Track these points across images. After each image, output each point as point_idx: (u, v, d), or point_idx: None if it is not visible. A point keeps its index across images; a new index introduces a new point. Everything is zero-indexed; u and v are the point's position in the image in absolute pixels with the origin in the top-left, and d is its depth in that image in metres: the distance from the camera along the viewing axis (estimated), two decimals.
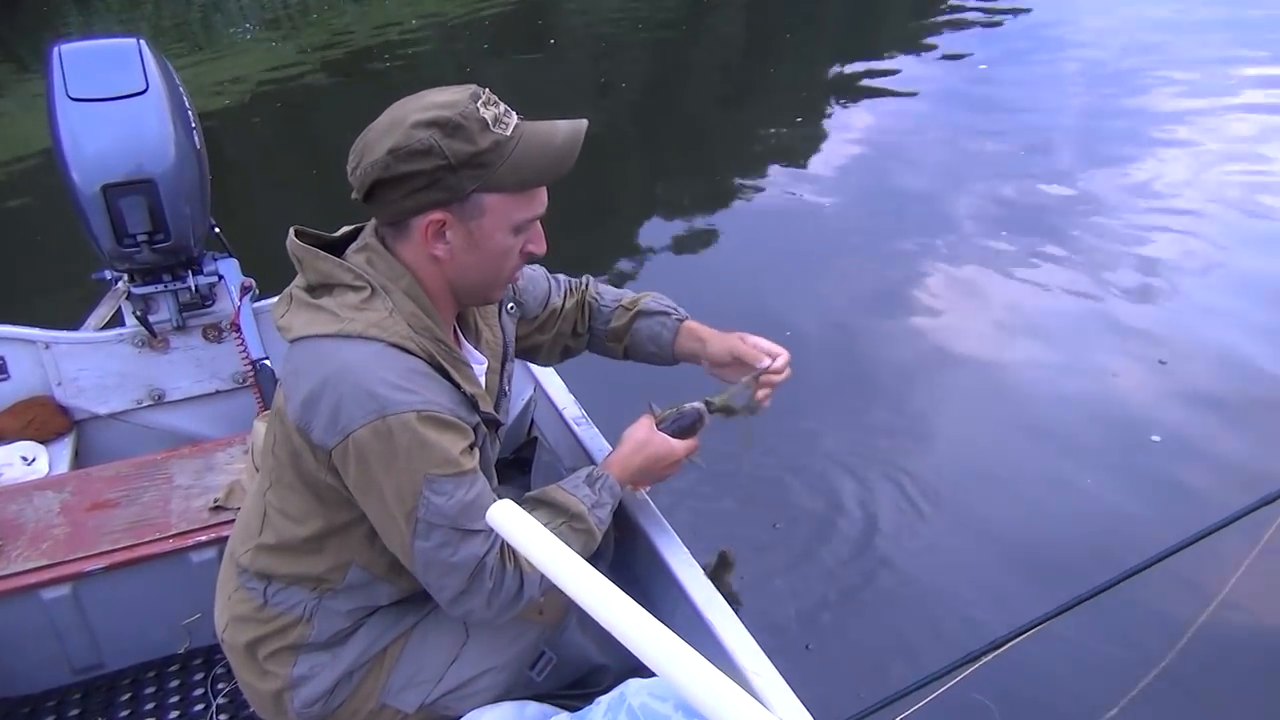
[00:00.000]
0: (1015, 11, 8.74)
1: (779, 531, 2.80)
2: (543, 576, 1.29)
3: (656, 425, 1.53)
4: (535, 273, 1.69)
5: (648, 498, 1.73)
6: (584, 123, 1.31)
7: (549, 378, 2.22)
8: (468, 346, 1.46)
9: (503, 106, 1.27)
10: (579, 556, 1.23)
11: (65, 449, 2.38)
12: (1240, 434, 3.07)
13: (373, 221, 1.34)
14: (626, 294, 1.74)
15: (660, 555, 1.62)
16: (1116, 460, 3.00)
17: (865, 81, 7.13)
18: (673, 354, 1.68)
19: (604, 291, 1.74)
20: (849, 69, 7.50)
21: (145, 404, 2.49)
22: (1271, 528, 1.79)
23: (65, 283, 3.94)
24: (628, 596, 1.14)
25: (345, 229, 1.39)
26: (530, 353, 1.74)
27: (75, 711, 1.92)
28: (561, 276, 1.74)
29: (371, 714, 1.45)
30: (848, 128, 6.31)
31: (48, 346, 2.39)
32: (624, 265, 4.70)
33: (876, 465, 3.03)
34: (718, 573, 1.56)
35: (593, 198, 5.31)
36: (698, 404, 1.57)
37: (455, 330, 1.45)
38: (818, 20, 9.59)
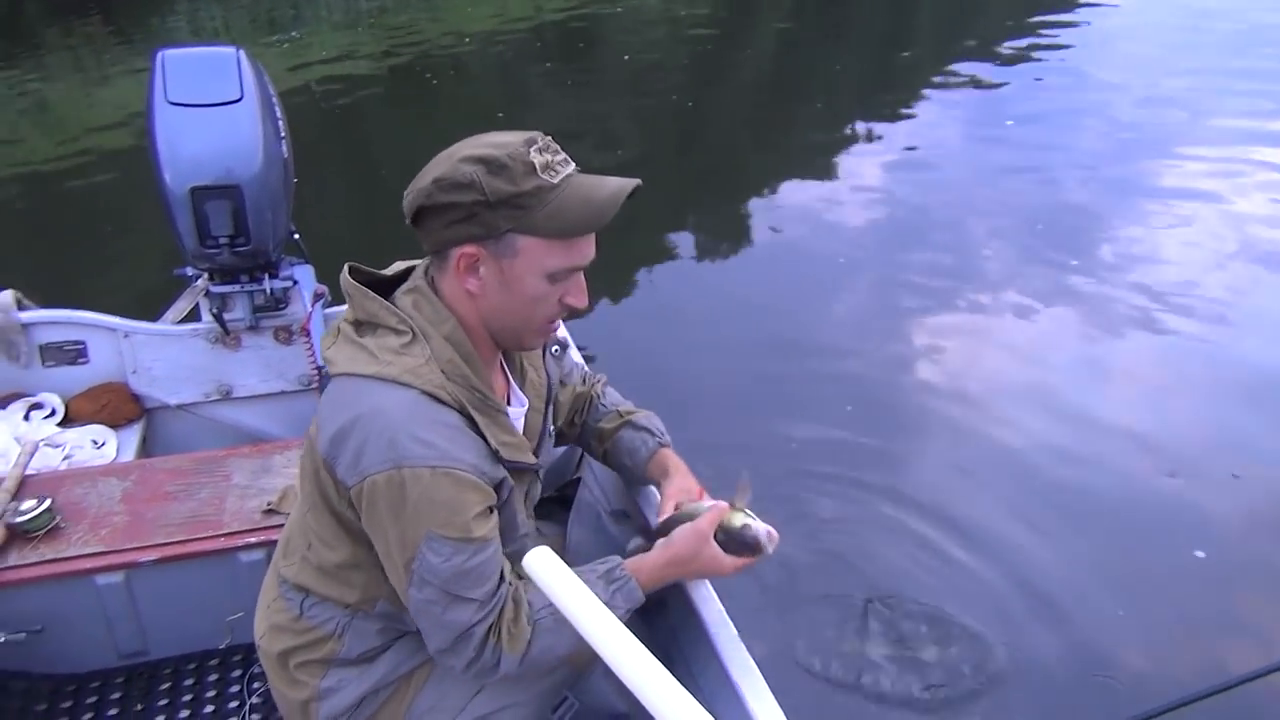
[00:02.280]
0: (1051, 52, 8.50)
1: (803, 609, 2.74)
2: (522, 660, 1.32)
3: (718, 532, 1.43)
4: (575, 359, 1.78)
5: None
6: (633, 182, 1.30)
7: None
8: (514, 388, 1.48)
9: (560, 155, 1.28)
10: (613, 615, 1.24)
11: (134, 435, 2.47)
12: None
13: (425, 261, 1.37)
14: (626, 404, 1.76)
15: (697, 611, 1.62)
16: (1158, 572, 2.81)
17: (894, 124, 7.03)
18: (644, 473, 1.69)
19: (608, 393, 1.78)
20: (877, 111, 7.39)
21: (213, 398, 2.57)
22: None
23: (145, 267, 4.10)
24: (656, 660, 1.14)
25: (400, 266, 1.41)
26: None
27: (117, 694, 1.98)
28: (581, 365, 1.81)
29: None
30: (872, 173, 6.18)
31: (127, 335, 2.48)
32: (641, 288, 4.71)
33: (900, 562, 2.88)
34: (737, 501, 1.48)
35: (620, 215, 5.29)
36: (767, 527, 1.45)
37: (504, 370, 1.47)
38: (850, 59, 9.46)
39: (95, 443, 2.37)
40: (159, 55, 2.30)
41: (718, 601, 1.62)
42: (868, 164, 6.28)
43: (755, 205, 5.78)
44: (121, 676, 2.02)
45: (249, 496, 2.13)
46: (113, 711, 1.95)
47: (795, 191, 6.02)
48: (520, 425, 1.45)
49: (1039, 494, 3.15)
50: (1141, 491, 3.14)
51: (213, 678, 2.03)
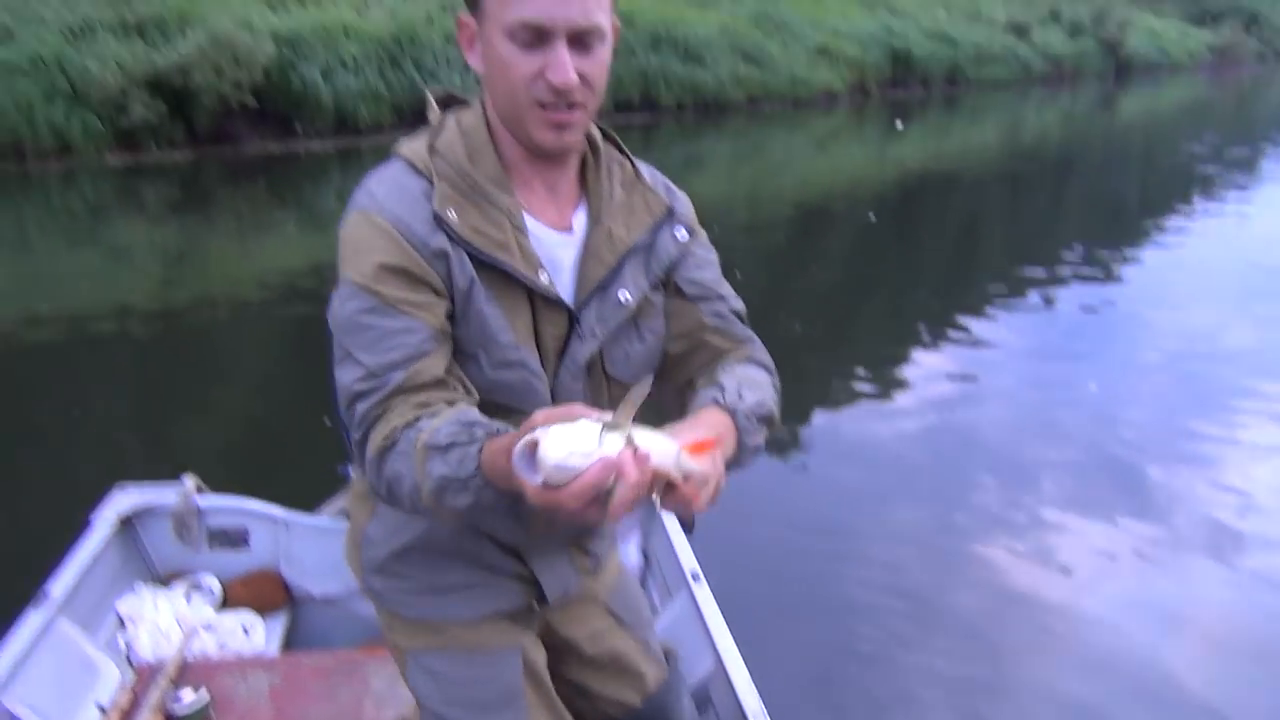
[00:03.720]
0: (1119, 286, 8.36)
1: None
2: (376, 467, 1.13)
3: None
4: (724, 291, 1.43)
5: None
6: None
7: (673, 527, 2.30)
8: (576, 219, 1.32)
9: None
10: None
11: (279, 624, 2.55)
12: None
13: None
14: (746, 374, 1.32)
15: None
16: None
17: (962, 345, 6.91)
18: None
19: (740, 367, 1.36)
20: (950, 327, 7.28)
21: (356, 593, 2.65)
22: None
23: (264, 439, 4.30)
24: None
25: None
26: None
27: None
28: (734, 321, 1.42)
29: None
30: (939, 393, 5.99)
31: (287, 526, 2.61)
32: None
33: None
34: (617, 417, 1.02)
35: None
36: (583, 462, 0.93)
37: (582, 196, 1.33)
38: (929, 261, 9.53)
39: (245, 629, 2.46)
40: None
41: None
42: (937, 383, 6.22)
43: (820, 415, 5.75)
44: None
45: (385, 705, 2.17)
46: None
47: (862, 369, 6.01)
48: (561, 256, 1.29)
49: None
50: None
51: None
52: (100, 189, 10.96)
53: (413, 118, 14.17)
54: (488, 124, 1.26)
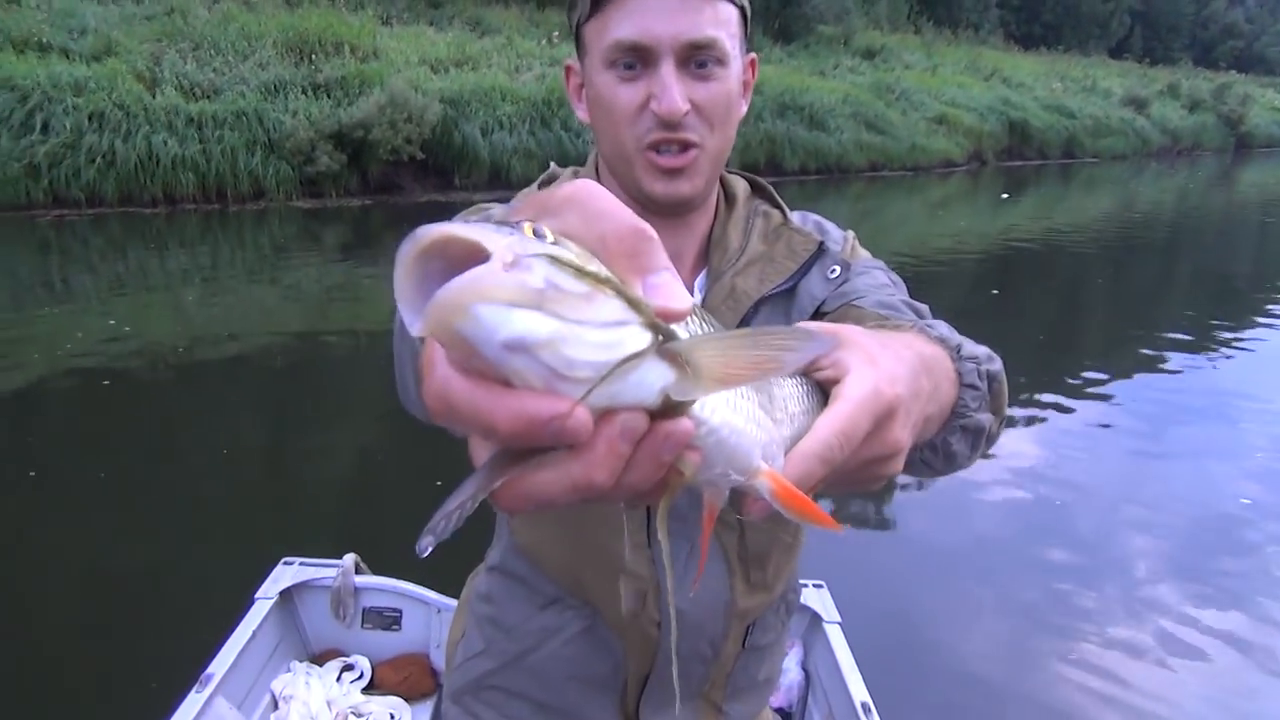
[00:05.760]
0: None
1: None
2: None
3: None
4: (893, 289, 1.01)
5: None
6: None
7: (842, 648, 2.02)
8: (701, 280, 1.05)
9: None
10: None
11: (425, 711, 2.35)
12: None
13: None
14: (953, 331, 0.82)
15: None
16: None
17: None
18: None
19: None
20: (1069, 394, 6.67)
21: None
22: None
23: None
24: None
25: None
26: None
27: None
28: (901, 309, 0.94)
29: None
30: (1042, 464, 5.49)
31: (439, 611, 2.41)
32: None
33: None
34: None
35: None
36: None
37: (702, 259, 1.05)
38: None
39: (393, 717, 2.26)
40: None
41: None
42: (1036, 455, 5.62)
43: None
44: None
45: None
46: None
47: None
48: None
49: None
50: None
51: None
52: (286, 230, 11.35)
53: None
54: (598, 178, 1.01)
